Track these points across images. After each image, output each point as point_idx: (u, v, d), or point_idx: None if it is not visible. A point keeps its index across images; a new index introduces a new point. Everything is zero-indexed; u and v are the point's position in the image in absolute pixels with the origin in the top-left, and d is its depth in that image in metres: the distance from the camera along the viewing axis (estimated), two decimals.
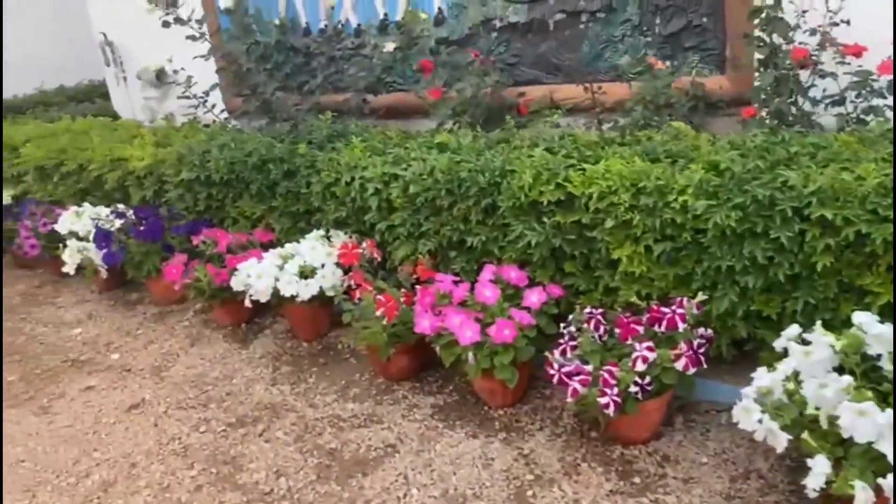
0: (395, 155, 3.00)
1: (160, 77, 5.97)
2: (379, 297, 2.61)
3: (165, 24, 3.74)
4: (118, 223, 3.79)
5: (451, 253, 2.84)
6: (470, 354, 2.40)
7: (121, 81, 6.38)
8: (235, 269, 3.23)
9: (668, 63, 3.17)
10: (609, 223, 2.34)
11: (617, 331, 2.26)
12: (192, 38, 3.81)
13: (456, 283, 2.63)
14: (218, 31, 5.10)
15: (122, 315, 3.81)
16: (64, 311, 3.98)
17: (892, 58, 2.49)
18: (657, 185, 2.26)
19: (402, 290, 2.81)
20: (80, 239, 4.00)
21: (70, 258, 3.90)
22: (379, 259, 2.97)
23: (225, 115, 4.70)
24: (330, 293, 3.06)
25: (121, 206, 4.07)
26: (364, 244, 2.93)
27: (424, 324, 2.48)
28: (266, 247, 3.43)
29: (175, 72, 4.36)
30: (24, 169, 4.84)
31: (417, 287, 2.70)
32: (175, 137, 4.18)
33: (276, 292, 3.06)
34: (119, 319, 3.76)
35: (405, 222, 2.91)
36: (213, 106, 4.39)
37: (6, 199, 4.97)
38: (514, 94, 3.72)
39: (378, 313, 2.57)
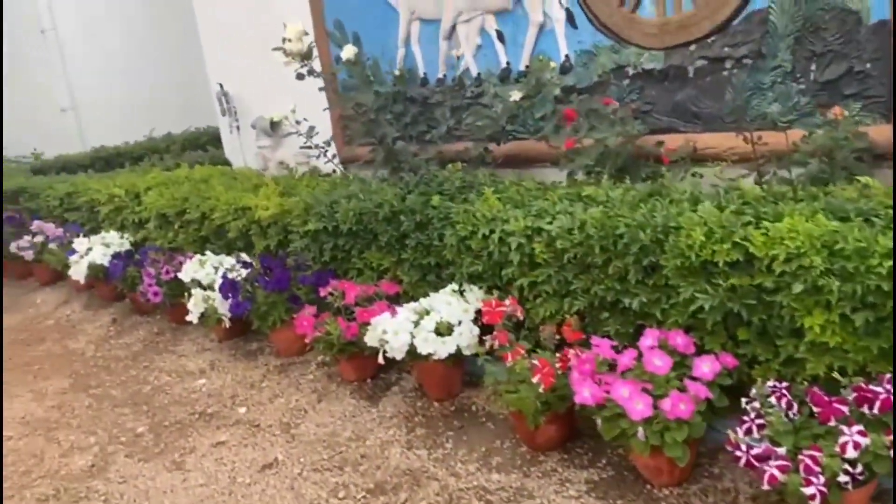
0: (539, 208, 2.86)
1: (274, 127, 6.07)
2: (534, 361, 2.44)
3: (300, 77, 3.75)
4: (244, 273, 3.77)
5: (602, 314, 2.67)
6: (640, 430, 2.20)
7: (234, 130, 6.52)
8: (367, 324, 3.14)
9: (845, 112, 2.94)
10: (797, 288, 2.12)
11: (816, 410, 2.02)
12: (322, 88, 3.82)
13: (615, 348, 2.44)
14: (334, 83, 5.15)
15: (244, 366, 3.76)
16: (186, 360, 3.97)
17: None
18: (857, 247, 2.03)
19: (546, 351, 2.64)
20: (203, 287, 4.02)
21: (195, 307, 3.91)
22: (522, 317, 2.81)
23: (338, 163, 4.71)
24: (466, 352, 2.92)
25: (243, 255, 4.08)
26: (507, 302, 2.78)
27: (585, 393, 2.30)
28: (392, 299, 3.34)
29: (298, 122, 4.39)
30: (146, 216, 4.96)
31: (569, 350, 2.53)
32: (298, 187, 4.18)
33: (410, 349, 2.94)
34: (241, 371, 3.71)
35: (550, 279, 2.76)
36: (334, 156, 4.39)
37: (126, 245, 5.09)
38: (651, 143, 3.55)
39: (534, 380, 2.40)
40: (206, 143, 9.21)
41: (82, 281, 5.01)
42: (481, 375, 3.17)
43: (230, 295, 3.69)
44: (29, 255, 5.75)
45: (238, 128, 6.48)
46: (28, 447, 3.25)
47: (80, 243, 5.08)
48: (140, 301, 4.70)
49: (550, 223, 2.73)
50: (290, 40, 3.45)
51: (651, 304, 2.50)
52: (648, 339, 2.40)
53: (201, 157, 7.08)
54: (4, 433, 3.41)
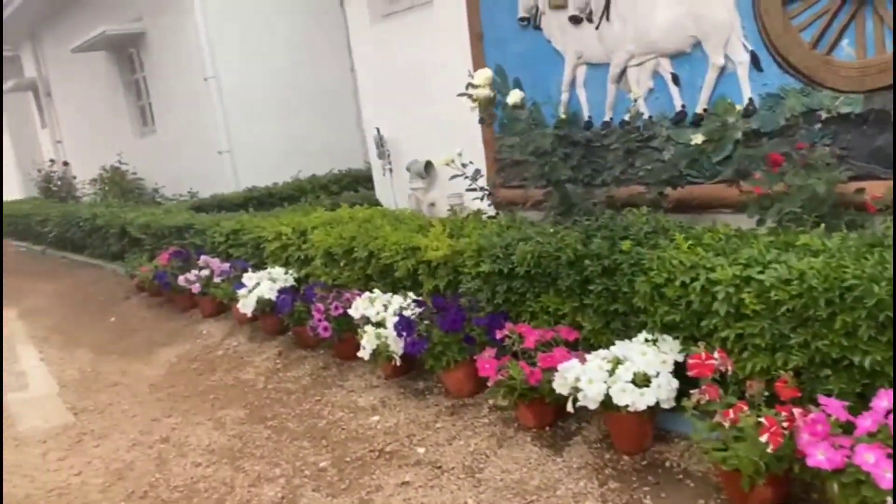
0: (748, 256, 2.73)
1: (428, 170, 6.22)
2: (760, 419, 2.30)
3: (482, 121, 3.81)
4: (418, 311, 3.81)
5: (823, 371, 2.49)
6: (889, 499, 2.01)
7: (386, 172, 6.72)
8: (550, 369, 3.09)
9: None
10: None
11: None
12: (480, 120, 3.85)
13: (847, 409, 2.27)
14: (493, 125, 5.22)
15: (414, 405, 3.78)
16: (356, 395, 4.04)
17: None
18: None
19: (764, 409, 2.48)
20: (373, 325, 4.09)
21: (368, 343, 3.98)
22: (731, 371, 2.67)
23: (489, 205, 4.74)
24: (664, 405, 2.81)
25: (411, 294, 4.14)
26: (716, 355, 2.65)
27: (819, 457, 2.14)
28: (571, 345, 3.28)
29: (464, 165, 4.45)
30: (312, 254, 5.14)
31: (790, 408, 2.37)
32: (465, 229, 4.21)
33: (603, 399, 2.86)
34: (412, 410, 3.73)
35: (763, 332, 2.62)
36: (490, 198, 4.42)
37: (290, 281, 5.29)
38: (850, 190, 3.36)
39: (762, 439, 2.25)
40: (347, 185, 9.58)
41: (249, 314, 5.22)
42: (671, 429, 3.05)
43: (405, 333, 3.74)
44: (196, 287, 6.08)
45: (391, 170, 6.68)
46: (217, 475, 3.37)
47: (248, 278, 5.32)
48: (305, 335, 4.85)
49: (762, 272, 2.60)
50: (478, 86, 3.51)
51: (885, 362, 2.32)
52: (884, 400, 2.22)
53: (354, 198, 7.31)
54: (192, 460, 3.57)
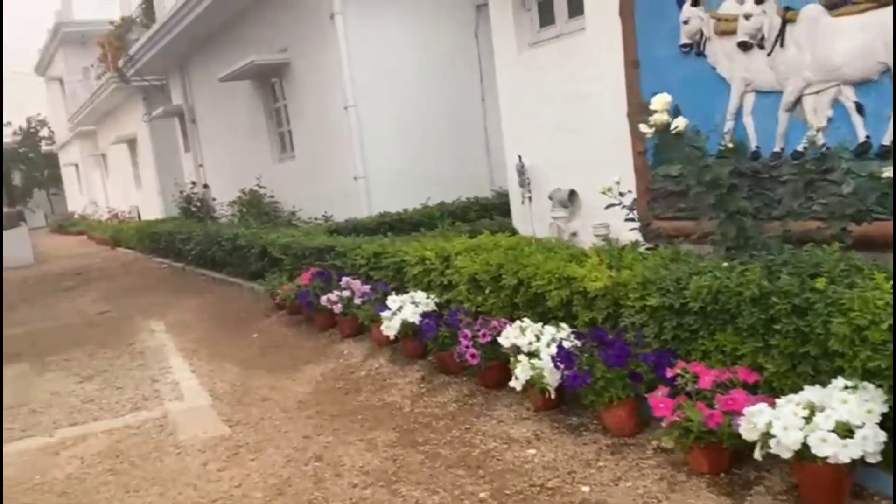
0: None
1: (571, 198, 6.12)
2: None
3: (641, 153, 3.68)
4: (578, 343, 3.70)
5: None
6: None
7: (525, 200, 6.67)
8: (733, 412, 2.89)
9: None
10: None
11: None
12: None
13: None
14: (646, 153, 5.07)
15: (571, 441, 3.65)
16: (506, 426, 3.95)
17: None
18: None
19: None
20: (525, 354, 4.01)
21: (521, 373, 3.90)
22: None
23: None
24: (870, 459, 2.56)
25: (564, 325, 4.04)
26: None
27: None
28: (750, 388, 3.06)
29: (621, 194, 4.32)
30: (455, 279, 5.13)
31: None
32: (625, 260, 4.07)
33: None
34: (570, 445, 3.60)
35: None
36: (654, 231, 4.25)
37: (431, 305, 5.29)
38: None
39: None
40: (476, 213, 9.61)
41: (392, 336, 5.27)
42: (870, 486, 2.79)
43: (564, 365, 3.63)
44: (338, 308, 6.21)
45: (530, 198, 6.62)
46: (375, 497, 3.35)
47: (392, 301, 5.37)
48: (447, 360, 4.82)
49: None
50: (656, 111, 3.40)
51: None
52: None
53: (491, 225, 7.29)
54: (349, 480, 3.57)
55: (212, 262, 11.27)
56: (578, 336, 3.76)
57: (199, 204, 15.41)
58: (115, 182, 26.61)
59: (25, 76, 37.88)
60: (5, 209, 17.74)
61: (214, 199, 14.23)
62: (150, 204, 21.06)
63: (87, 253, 19.67)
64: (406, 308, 5.26)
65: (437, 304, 5.34)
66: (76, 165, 34.34)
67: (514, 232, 6.74)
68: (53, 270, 15.77)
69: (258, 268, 9.14)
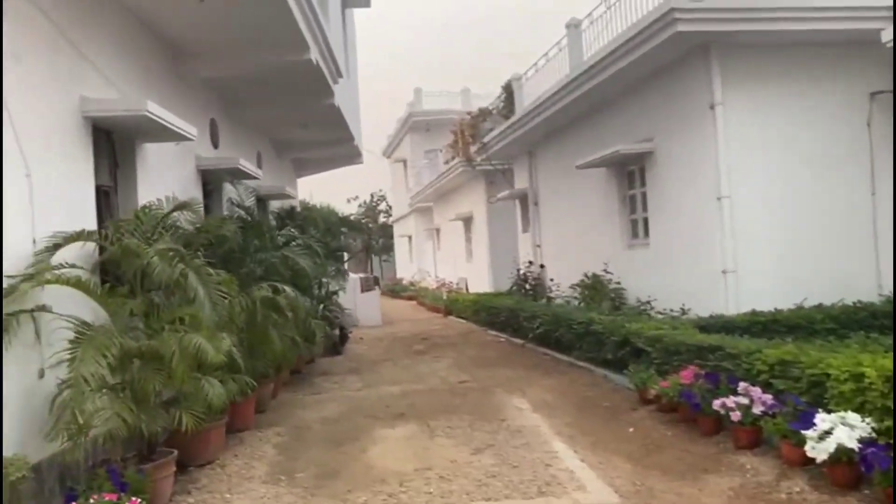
0: None
1: None
2: None
3: None
4: None
5: None
6: None
7: None
8: None
9: None
10: None
11: None
12: None
13: None
14: None
15: None
16: None
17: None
18: None
19: None
20: None
21: None
22: None
23: None
24: None
25: None
26: None
27: None
28: None
29: None
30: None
31: None
32: None
33: None
34: None
35: None
36: None
37: (867, 431, 4.65)
38: None
39: None
40: (864, 320, 8.53)
41: (818, 460, 4.72)
42: None
43: None
44: (735, 416, 5.78)
45: None
46: None
47: (821, 420, 4.84)
48: None
49: None
50: None
51: None
52: None
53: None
54: None
55: (556, 342, 11.48)
56: None
57: (533, 283, 16.00)
58: (445, 254, 28.96)
59: (376, 157, 43.61)
60: (364, 274, 20.13)
61: (552, 280, 14.63)
62: (479, 277, 22.45)
63: (422, 318, 21.46)
64: (838, 430, 4.70)
65: (875, 431, 4.69)
66: (409, 237, 38.17)
67: None
68: (399, 333, 17.38)
69: (614, 356, 9.05)
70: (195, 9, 7.16)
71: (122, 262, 5.14)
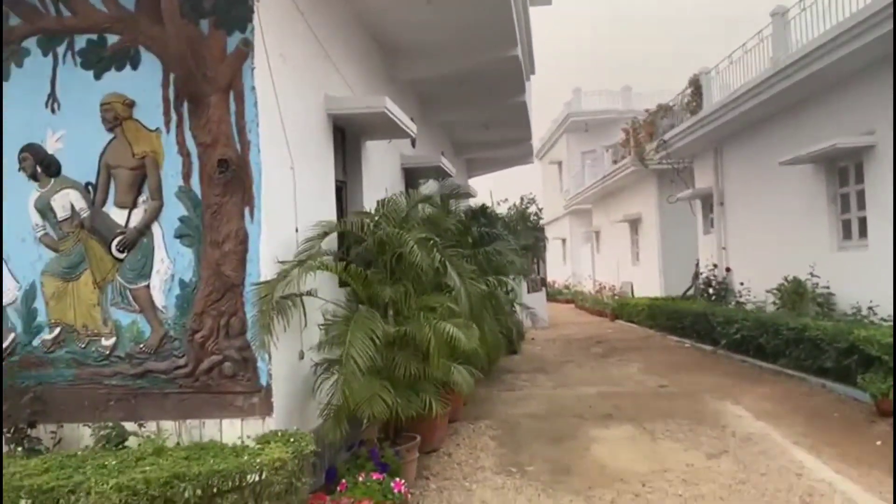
0: None
1: None
2: None
3: None
4: None
5: None
6: None
7: None
8: None
9: None
10: None
11: None
12: None
13: None
14: None
15: None
16: None
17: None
18: None
19: None
20: None
21: None
22: None
23: None
24: None
25: None
26: None
27: None
28: None
29: None
30: None
31: None
32: None
33: None
34: None
35: None
36: None
37: None
38: None
39: None
40: None
41: None
42: None
43: None
44: None
45: None
46: None
47: None
48: None
49: None
50: None
51: None
52: None
53: None
54: None
55: (756, 349, 10.83)
56: None
57: (717, 287, 15.23)
58: (605, 257, 28.29)
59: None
60: (532, 276, 20.03)
61: (742, 284, 13.83)
62: (647, 281, 21.68)
63: (586, 322, 21.09)
64: None
65: None
66: (563, 240, 37.70)
67: None
68: (569, 334, 17.14)
69: (837, 365, 8.38)
70: (419, 9, 7.37)
71: (376, 251, 5.34)
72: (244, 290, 4.85)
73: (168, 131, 4.98)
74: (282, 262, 5.09)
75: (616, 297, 22.68)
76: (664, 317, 15.71)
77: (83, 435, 4.91)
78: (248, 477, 3.60)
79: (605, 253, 28.51)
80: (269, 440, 4.13)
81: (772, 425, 7.11)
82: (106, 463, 3.75)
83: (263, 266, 4.88)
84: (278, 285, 4.81)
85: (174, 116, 4.98)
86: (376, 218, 5.71)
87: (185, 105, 4.95)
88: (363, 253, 5.34)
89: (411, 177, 10.16)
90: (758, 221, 13.66)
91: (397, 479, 4.71)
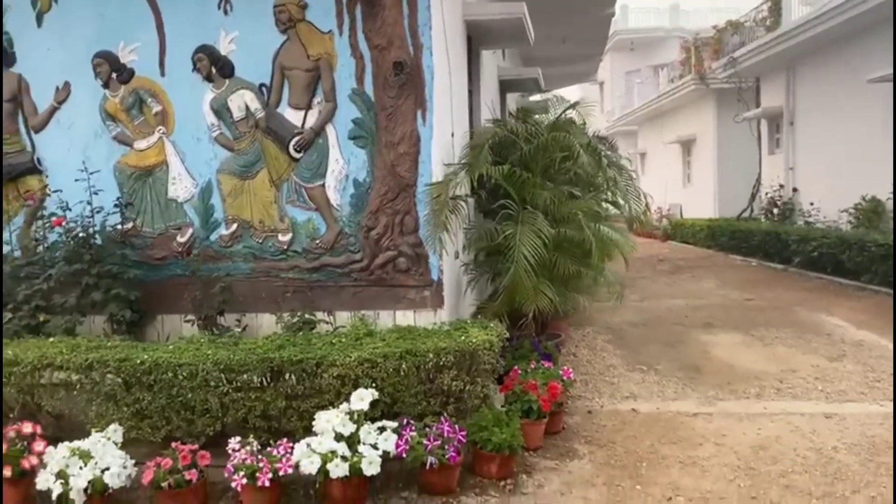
0: None
1: None
2: None
3: None
4: None
5: None
6: None
7: None
8: None
9: None
10: None
11: None
12: None
13: None
14: None
15: None
16: None
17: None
18: None
19: None
20: None
21: None
22: None
23: None
24: None
25: None
26: None
27: None
28: None
29: None
30: None
31: None
32: None
33: None
34: None
35: None
36: None
37: None
38: None
39: None
40: None
41: None
42: None
43: None
44: None
45: None
46: None
47: None
48: None
49: None
50: None
51: None
52: None
53: None
54: None
55: (835, 266, 11.00)
56: None
57: (782, 206, 15.28)
58: (652, 179, 28.16)
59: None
60: None
61: (812, 204, 13.86)
62: (699, 202, 21.64)
63: (638, 242, 21.15)
64: None
65: None
66: None
67: None
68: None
69: None
70: None
71: (531, 157, 5.51)
72: (416, 190, 5.07)
73: (341, 34, 5.10)
74: (447, 165, 5.28)
75: (664, 219, 22.75)
76: (726, 237, 15.83)
77: (261, 324, 5.27)
78: (467, 354, 3.90)
79: (652, 175, 28.35)
80: (463, 327, 4.42)
81: (876, 334, 7.35)
82: (333, 341, 4.06)
83: (435, 167, 5.08)
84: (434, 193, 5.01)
85: (346, 19, 5.09)
86: (539, 125, 5.86)
87: (359, 7, 5.05)
88: (517, 159, 5.51)
89: (504, 89, 10.20)
90: (834, 141, 13.58)
91: (564, 367, 5.03)
